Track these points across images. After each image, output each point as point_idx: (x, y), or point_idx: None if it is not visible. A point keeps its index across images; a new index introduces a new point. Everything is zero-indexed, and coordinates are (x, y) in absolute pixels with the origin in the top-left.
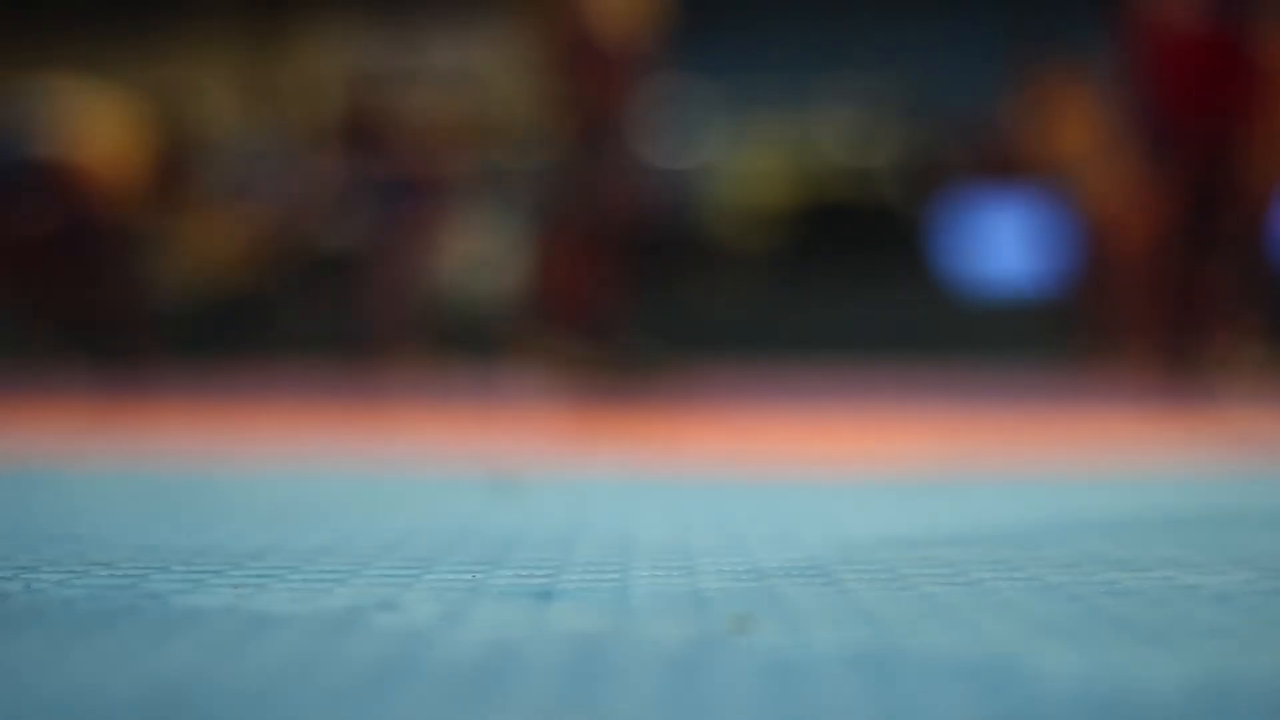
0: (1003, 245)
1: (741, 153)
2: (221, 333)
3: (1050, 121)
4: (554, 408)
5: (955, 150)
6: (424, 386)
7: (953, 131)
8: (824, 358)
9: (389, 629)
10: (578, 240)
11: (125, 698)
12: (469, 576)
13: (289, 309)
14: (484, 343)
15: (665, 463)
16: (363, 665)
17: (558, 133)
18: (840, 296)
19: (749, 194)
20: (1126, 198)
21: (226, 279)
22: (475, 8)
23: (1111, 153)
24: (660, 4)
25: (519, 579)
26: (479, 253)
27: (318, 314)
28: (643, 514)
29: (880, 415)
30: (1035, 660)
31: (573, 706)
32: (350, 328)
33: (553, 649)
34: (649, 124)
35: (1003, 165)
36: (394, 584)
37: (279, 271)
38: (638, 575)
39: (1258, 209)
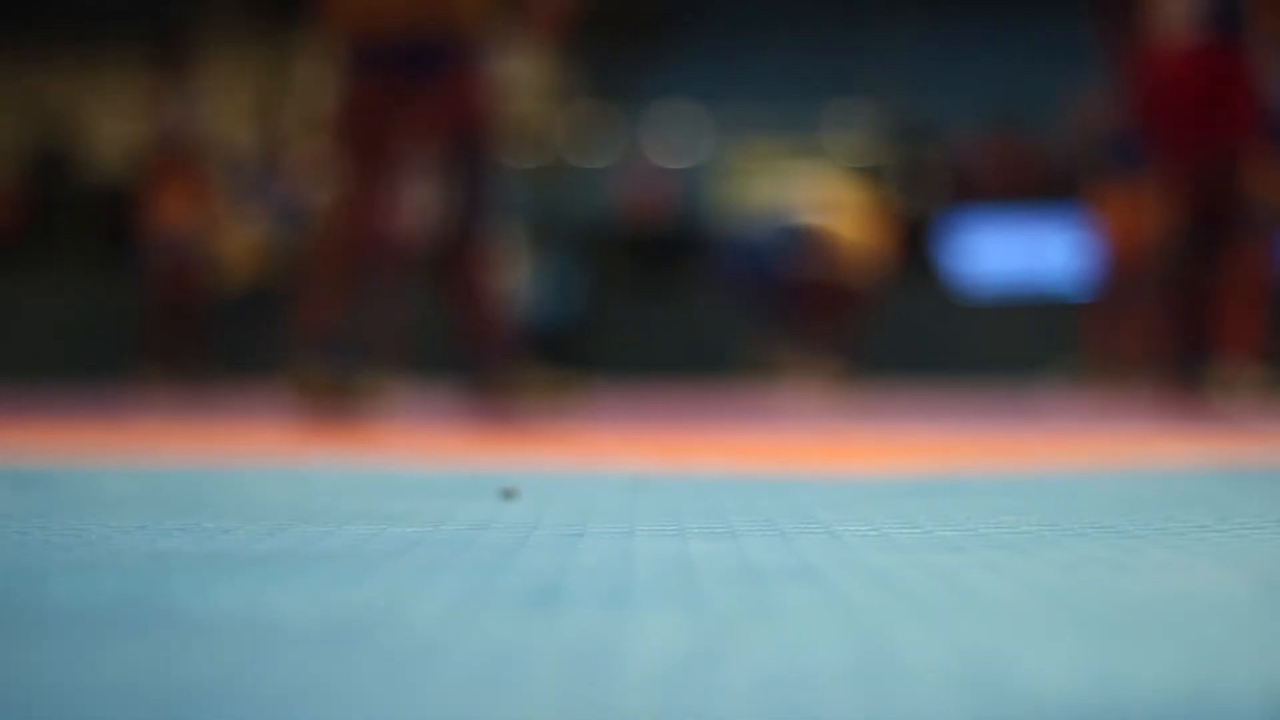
0: (1010, 254)
1: (747, 163)
2: (230, 336)
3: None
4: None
5: (962, 163)
6: (422, 395)
7: (957, 145)
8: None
9: (395, 631)
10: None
11: (137, 705)
12: (475, 580)
13: (292, 313)
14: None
15: (666, 469)
16: (372, 669)
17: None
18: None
19: (752, 198)
20: (1130, 211)
21: (239, 284)
22: None
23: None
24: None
25: (523, 583)
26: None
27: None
28: (643, 518)
29: (878, 422)
30: (1029, 666)
31: (575, 709)
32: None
33: (556, 653)
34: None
35: (1014, 178)
36: (402, 587)
37: (284, 276)
38: (637, 579)
39: (1263, 221)
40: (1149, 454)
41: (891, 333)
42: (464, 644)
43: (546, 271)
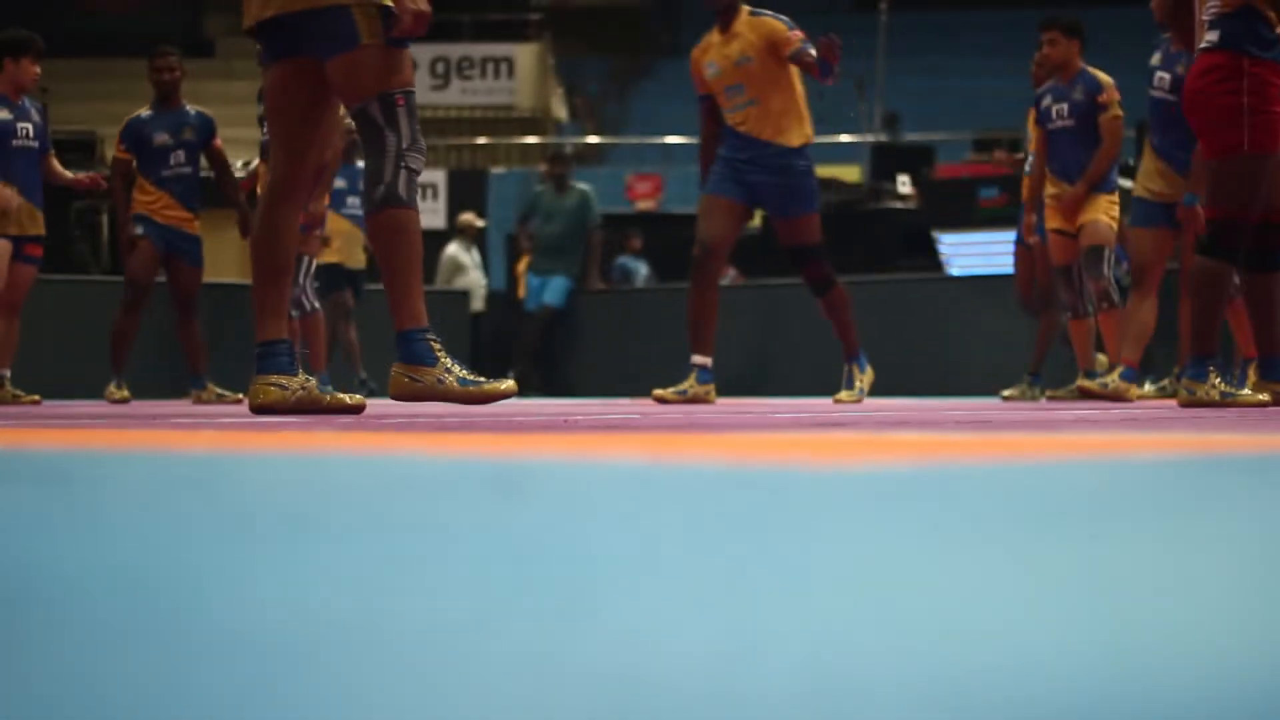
0: (981, 252)
1: None
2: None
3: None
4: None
5: (952, 186)
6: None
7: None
8: (820, 347)
9: (403, 630)
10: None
11: (146, 706)
12: (481, 576)
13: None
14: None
15: (662, 460)
16: (383, 669)
17: None
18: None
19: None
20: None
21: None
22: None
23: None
24: None
25: (523, 574)
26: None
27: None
28: (640, 509)
29: (868, 415)
30: (1009, 660)
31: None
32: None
33: (553, 647)
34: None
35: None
36: (405, 582)
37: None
38: (636, 569)
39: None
40: (1132, 446)
41: (887, 324)
42: (470, 641)
43: (542, 260)
